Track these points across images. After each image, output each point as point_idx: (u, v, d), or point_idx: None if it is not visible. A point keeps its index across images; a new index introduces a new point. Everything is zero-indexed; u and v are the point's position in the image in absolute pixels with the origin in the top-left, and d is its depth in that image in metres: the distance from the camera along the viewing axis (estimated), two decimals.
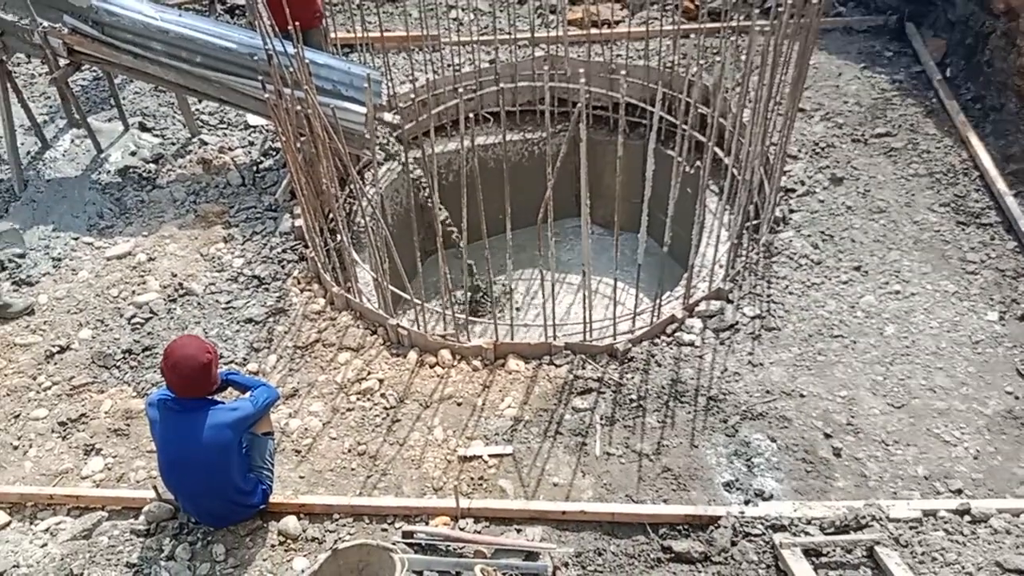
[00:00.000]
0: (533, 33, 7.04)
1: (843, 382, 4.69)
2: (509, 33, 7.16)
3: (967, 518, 3.95)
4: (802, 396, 4.61)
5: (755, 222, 5.65)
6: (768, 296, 5.21)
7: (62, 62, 6.36)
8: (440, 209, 5.20)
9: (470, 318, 5.20)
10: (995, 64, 6.44)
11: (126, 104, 7.19)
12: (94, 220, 6.25)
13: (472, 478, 4.33)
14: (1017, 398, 4.56)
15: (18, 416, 4.88)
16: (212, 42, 6.06)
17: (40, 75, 7.67)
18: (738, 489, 4.17)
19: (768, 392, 4.64)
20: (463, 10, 7.98)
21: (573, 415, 4.61)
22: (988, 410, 4.52)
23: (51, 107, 7.27)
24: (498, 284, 6.67)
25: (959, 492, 4.13)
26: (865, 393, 4.63)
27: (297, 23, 4.84)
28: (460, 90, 4.70)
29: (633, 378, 4.78)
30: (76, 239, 6.09)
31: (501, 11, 8.03)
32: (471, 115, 4.92)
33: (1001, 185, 5.73)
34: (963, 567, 3.74)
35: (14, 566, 4.02)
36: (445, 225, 5.33)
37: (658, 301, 5.07)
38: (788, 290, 5.24)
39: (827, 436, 4.41)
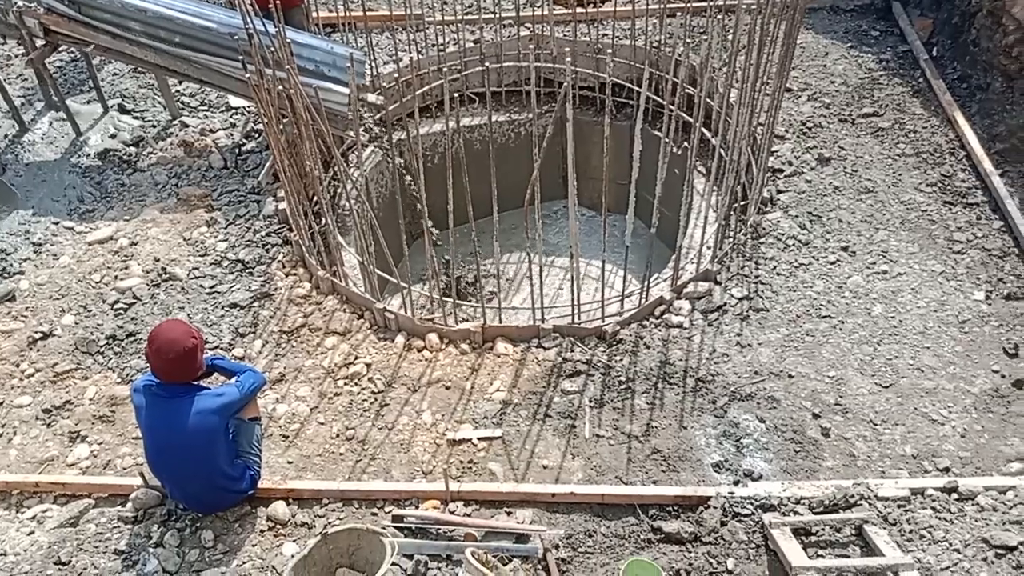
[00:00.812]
0: (518, 12, 6.96)
1: (831, 362, 4.70)
2: (494, 12, 7.07)
3: (954, 496, 3.97)
4: (790, 377, 4.62)
5: (743, 203, 5.64)
6: (756, 277, 5.21)
7: (39, 43, 6.24)
8: (419, 199, 5.15)
9: (455, 301, 5.17)
10: (981, 44, 6.44)
11: (105, 86, 7.07)
12: (74, 204, 6.16)
13: (461, 461, 4.32)
14: (1003, 376, 4.59)
15: (1, 403, 4.81)
16: (191, 21, 5.95)
17: (16, 56, 7.51)
18: (727, 470, 4.18)
19: (756, 373, 4.65)
20: None
21: (562, 398, 4.60)
22: (975, 389, 4.54)
23: (28, 89, 7.13)
24: (481, 267, 6.62)
25: (946, 470, 4.16)
26: (853, 373, 4.64)
27: (278, 1, 4.76)
28: (445, 70, 4.63)
29: (622, 360, 4.77)
30: (56, 224, 6.00)
31: None
32: (456, 96, 4.85)
33: (987, 165, 5.74)
34: (951, 544, 3.77)
35: (1, 554, 3.98)
36: (421, 217, 5.28)
37: (646, 283, 5.06)
38: (776, 271, 5.24)
39: (815, 416, 4.42)
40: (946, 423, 4.39)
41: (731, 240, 5.44)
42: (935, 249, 5.35)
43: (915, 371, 4.65)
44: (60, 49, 6.74)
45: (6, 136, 6.60)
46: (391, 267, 5.24)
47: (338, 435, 4.51)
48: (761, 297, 5.08)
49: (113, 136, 6.69)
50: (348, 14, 6.61)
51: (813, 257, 5.32)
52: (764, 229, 5.52)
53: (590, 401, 4.57)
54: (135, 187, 6.29)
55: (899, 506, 3.93)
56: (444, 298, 5.13)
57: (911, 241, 5.41)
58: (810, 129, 6.29)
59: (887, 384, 4.59)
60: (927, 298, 5.05)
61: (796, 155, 6.07)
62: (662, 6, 6.40)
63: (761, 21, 4.73)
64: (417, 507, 4.04)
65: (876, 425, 4.39)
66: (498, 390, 4.68)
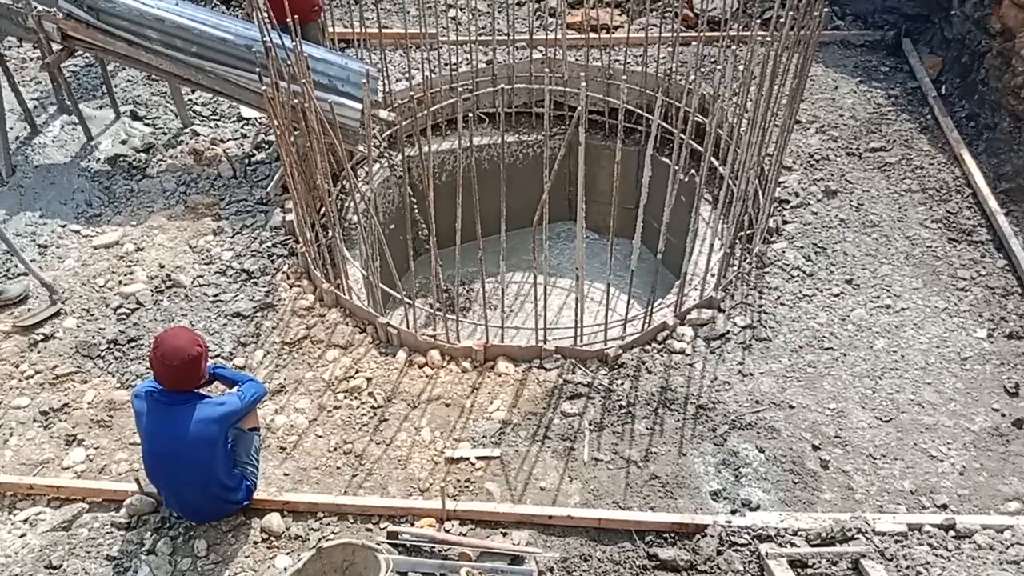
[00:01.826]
0: (531, 35, 7.03)
1: (832, 394, 4.70)
2: (507, 34, 7.14)
3: (952, 533, 3.95)
4: (791, 407, 4.62)
5: (748, 232, 5.66)
6: (760, 306, 5.22)
7: (55, 47, 6.28)
8: (419, 219, 5.19)
9: (457, 318, 5.17)
10: (990, 83, 6.49)
11: (118, 92, 7.12)
12: (82, 208, 6.18)
13: (459, 480, 4.30)
14: (1003, 415, 4.58)
15: None
16: (208, 32, 6.01)
17: (32, 59, 7.57)
18: (725, 498, 4.16)
19: (757, 402, 4.64)
20: (461, 9, 7.96)
21: (562, 420, 4.59)
22: (975, 426, 4.53)
23: (42, 92, 7.18)
24: (477, 286, 6.61)
25: (944, 507, 4.14)
26: (854, 406, 4.63)
27: (296, 16, 4.81)
28: (458, 90, 4.67)
29: (623, 384, 4.76)
30: (63, 227, 6.01)
31: (499, 12, 8.01)
32: (468, 115, 4.89)
33: (993, 203, 5.76)
34: None
35: None
36: (422, 234, 5.31)
37: (650, 308, 5.06)
38: (780, 301, 5.25)
39: (815, 448, 4.41)
40: (945, 460, 4.37)
41: (736, 269, 5.45)
42: (939, 285, 5.36)
43: (916, 406, 4.65)
44: (76, 54, 6.79)
45: (17, 138, 6.64)
46: (395, 282, 5.25)
47: (336, 449, 4.50)
48: (764, 327, 5.08)
49: (124, 142, 6.73)
50: (363, 31, 6.67)
51: (817, 289, 5.33)
52: (769, 259, 5.54)
53: (590, 424, 4.56)
54: (143, 193, 6.31)
55: (896, 541, 3.91)
56: (447, 314, 5.13)
57: (915, 276, 5.42)
58: (818, 161, 6.32)
59: (887, 418, 4.58)
60: (929, 334, 5.05)
61: (803, 187, 6.09)
62: (675, 35, 6.45)
63: (774, 53, 4.77)
64: (413, 524, 4.02)
65: (875, 459, 4.38)
66: (498, 409, 4.67)
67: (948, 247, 5.62)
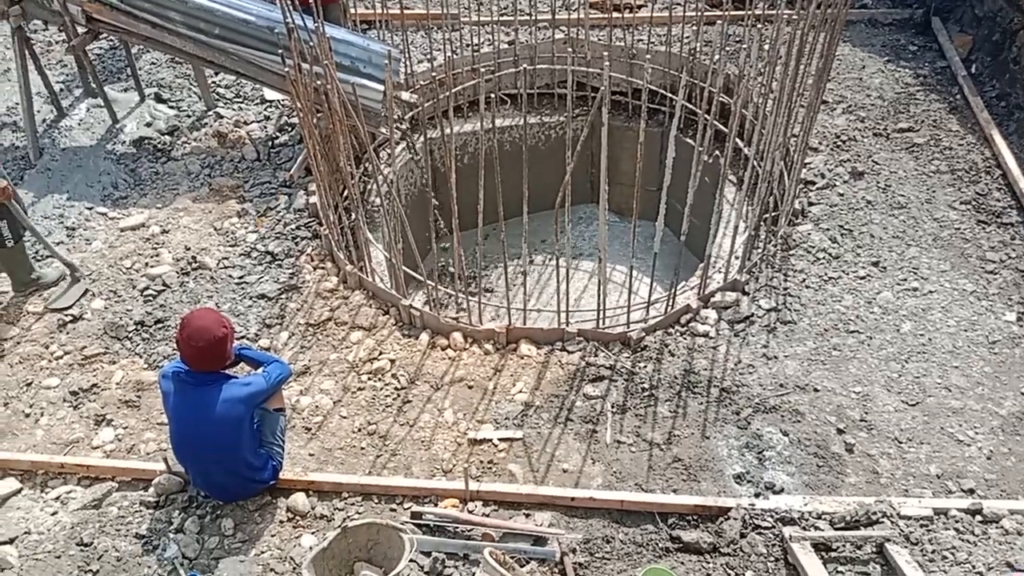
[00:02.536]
0: (554, 15, 6.97)
1: (858, 378, 4.66)
2: (529, 14, 7.09)
3: (978, 518, 3.92)
4: (816, 391, 4.59)
5: (773, 214, 5.60)
6: (784, 289, 5.18)
7: (80, 30, 6.32)
8: (432, 197, 5.19)
9: (468, 297, 5.17)
10: (1022, 62, 6.36)
11: (142, 74, 7.16)
12: (108, 190, 6.24)
13: (482, 461, 4.32)
14: None
15: (30, 384, 4.88)
16: (231, 14, 6.01)
17: (57, 43, 7.63)
18: (748, 482, 4.15)
19: (782, 386, 4.61)
20: None
21: (584, 402, 4.59)
22: (1003, 411, 4.48)
23: (68, 75, 7.24)
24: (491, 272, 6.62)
25: (971, 492, 4.11)
26: (880, 390, 4.60)
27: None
28: (480, 71, 4.64)
29: (646, 367, 4.76)
30: (90, 209, 6.08)
31: None
32: (490, 96, 4.86)
33: None
34: (973, 567, 3.72)
35: (25, 532, 4.04)
36: (436, 217, 5.31)
37: (673, 290, 5.04)
38: (805, 284, 5.20)
39: (840, 431, 4.38)
40: (972, 444, 4.33)
41: (760, 251, 5.40)
42: (967, 268, 5.29)
43: (943, 390, 4.60)
44: (100, 37, 6.83)
45: (44, 121, 6.71)
46: (418, 263, 5.26)
47: (360, 429, 4.53)
48: (789, 309, 5.04)
49: (149, 124, 6.77)
50: (386, 12, 6.65)
51: (843, 271, 5.28)
52: (794, 241, 5.49)
53: (612, 407, 4.56)
54: (168, 176, 6.36)
55: (922, 526, 3.89)
56: (468, 297, 5.13)
57: (943, 259, 5.35)
58: (844, 142, 6.24)
59: (914, 402, 4.54)
60: (957, 317, 4.99)
61: (829, 168, 6.02)
62: (699, 14, 6.37)
63: (800, 32, 4.70)
64: (436, 505, 4.05)
65: (901, 443, 4.34)
66: (520, 391, 4.68)
67: (977, 229, 5.53)
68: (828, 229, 5.56)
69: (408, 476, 4.26)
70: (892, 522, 3.88)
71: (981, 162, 5.98)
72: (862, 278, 5.23)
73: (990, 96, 6.51)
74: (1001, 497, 4.08)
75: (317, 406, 4.66)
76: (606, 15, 7.00)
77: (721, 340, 4.89)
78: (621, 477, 4.21)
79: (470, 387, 4.74)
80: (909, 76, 6.83)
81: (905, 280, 5.21)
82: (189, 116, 6.92)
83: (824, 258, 5.36)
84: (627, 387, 4.66)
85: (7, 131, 6.69)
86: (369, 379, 4.81)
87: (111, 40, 7.40)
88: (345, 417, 4.61)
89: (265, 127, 6.76)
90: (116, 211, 6.07)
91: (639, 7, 7.72)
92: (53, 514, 4.14)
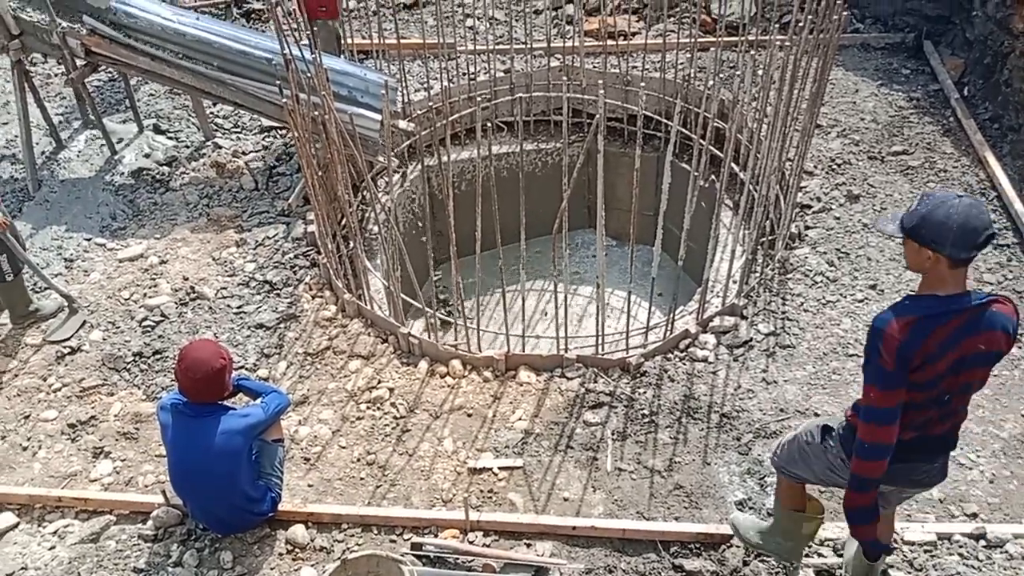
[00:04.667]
0: (549, 43, 7.03)
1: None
2: (525, 43, 7.15)
3: (982, 543, 3.89)
4: (816, 415, 4.57)
5: (770, 238, 5.62)
6: (783, 313, 5.18)
7: (79, 63, 6.37)
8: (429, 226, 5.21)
9: (479, 328, 5.18)
10: (1014, 84, 6.41)
11: (141, 106, 7.21)
12: (107, 222, 6.25)
13: (482, 491, 4.30)
14: None
15: (28, 417, 4.86)
16: (229, 46, 6.08)
17: (56, 75, 7.69)
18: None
19: (782, 410, 4.60)
20: (479, 19, 7.99)
21: (584, 429, 4.58)
22: (1004, 433, 4.47)
23: (67, 107, 7.29)
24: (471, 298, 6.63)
25: (974, 516, 4.08)
26: None
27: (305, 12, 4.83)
28: (477, 99, 4.68)
29: (645, 393, 4.74)
30: (88, 240, 6.09)
31: (517, 20, 8.03)
32: (487, 124, 4.90)
33: (1019, 206, 5.68)
34: None
35: (22, 568, 4.01)
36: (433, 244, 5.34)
37: (672, 315, 5.04)
38: (803, 307, 5.20)
39: None
40: (974, 467, 4.31)
41: (758, 275, 5.41)
42: None
43: None
44: (99, 69, 6.88)
45: (43, 153, 6.74)
46: (416, 291, 5.26)
47: (359, 459, 4.51)
48: (788, 333, 5.04)
49: (147, 155, 6.81)
50: (382, 42, 6.71)
51: (841, 295, 5.28)
52: (792, 265, 5.50)
53: (613, 434, 4.54)
54: (167, 206, 6.38)
55: (925, 551, 3.86)
56: (467, 323, 5.13)
57: None
58: (839, 166, 6.27)
59: None
60: None
61: (825, 191, 6.05)
62: (693, 40, 6.43)
63: (793, 57, 4.74)
64: (436, 535, 4.02)
65: None
66: (520, 419, 4.67)
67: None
68: (825, 252, 5.57)
69: (408, 506, 4.23)
70: (895, 548, 3.85)
71: (976, 184, 6.01)
72: (860, 301, 5.23)
73: (983, 118, 6.56)
74: (1005, 521, 4.05)
75: (316, 436, 4.64)
76: (601, 43, 7.06)
77: (720, 365, 4.89)
78: (622, 505, 4.18)
79: (469, 415, 4.73)
80: (902, 99, 6.88)
81: None
82: (187, 147, 6.95)
83: (822, 281, 5.37)
84: (627, 413, 4.64)
85: (6, 163, 6.72)
86: (368, 408, 4.79)
87: (110, 72, 7.46)
88: (344, 447, 4.59)
89: (263, 157, 6.79)
90: (114, 242, 6.08)
91: (633, 35, 7.80)
92: (51, 548, 4.11)
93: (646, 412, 4.63)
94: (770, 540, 3.61)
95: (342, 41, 6.88)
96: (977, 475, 4.26)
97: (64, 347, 5.26)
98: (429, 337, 5.12)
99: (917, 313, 2.65)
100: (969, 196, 2.64)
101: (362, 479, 4.41)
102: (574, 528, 4.01)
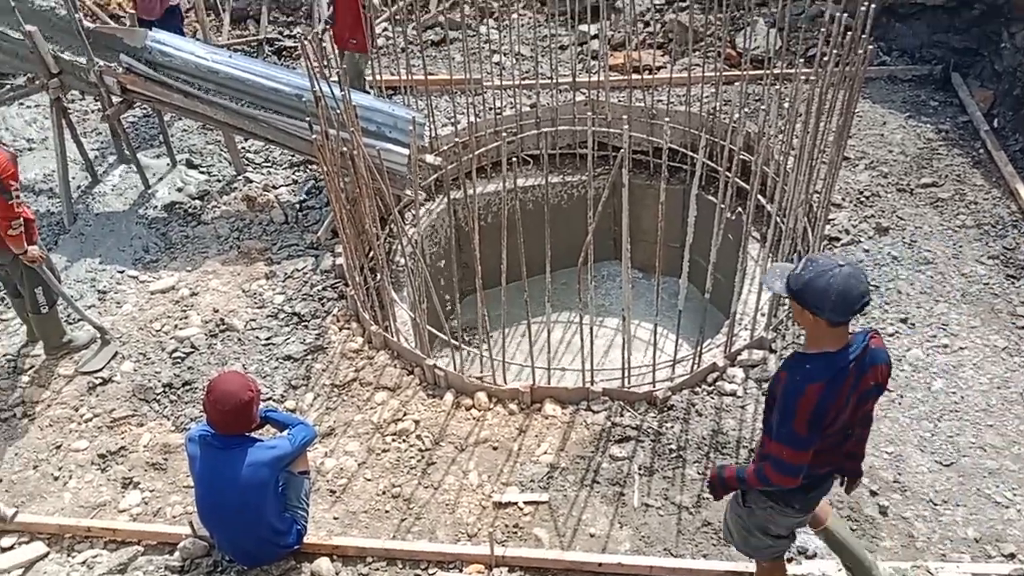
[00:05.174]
0: (574, 78, 7.10)
1: (889, 437, 4.57)
2: (551, 78, 7.23)
3: None
4: None
5: None
6: None
7: (115, 99, 6.54)
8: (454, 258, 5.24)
9: (504, 361, 5.17)
10: None
11: (174, 141, 7.36)
12: (140, 254, 6.36)
13: (507, 525, 4.27)
14: None
15: (59, 447, 4.93)
16: (261, 83, 6.20)
17: (93, 111, 7.88)
18: None
19: None
20: (505, 55, 8.09)
21: (611, 463, 4.54)
22: None
23: (103, 143, 7.46)
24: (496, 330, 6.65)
25: (1012, 556, 3.98)
26: (912, 450, 4.50)
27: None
28: (503, 133, 4.73)
29: (673, 427, 4.70)
30: (121, 272, 6.20)
31: (543, 56, 8.13)
32: (512, 157, 4.95)
33: None
34: None
35: None
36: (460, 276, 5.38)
37: (699, 349, 5.01)
38: None
39: (873, 493, 4.28)
40: (1011, 506, 4.21)
41: (786, 308, 5.37)
42: (998, 324, 5.21)
43: (977, 450, 4.50)
44: (134, 106, 7.05)
45: (79, 187, 6.90)
46: (442, 323, 5.28)
47: (384, 492, 4.51)
48: None
49: (180, 189, 6.94)
50: (410, 78, 6.82)
51: (871, 328, 5.21)
52: None
53: (639, 468, 4.50)
54: (198, 239, 6.48)
55: None
56: (492, 356, 5.13)
57: (972, 315, 5.28)
58: (868, 198, 6.23)
59: (948, 463, 4.43)
60: (990, 374, 4.90)
61: (853, 224, 6.01)
62: (718, 74, 6.46)
63: (819, 91, 4.74)
64: (461, 570, 4.00)
65: (936, 505, 4.23)
66: (545, 453, 4.64)
67: (1006, 284, 5.47)
68: None
69: (432, 540, 4.21)
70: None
71: (1007, 216, 5.94)
72: (891, 335, 5.17)
73: (1014, 150, 6.50)
74: None
75: (342, 468, 4.65)
76: (626, 77, 7.12)
77: (749, 399, 4.83)
78: (649, 542, 4.13)
79: (495, 448, 4.71)
80: (931, 131, 6.84)
81: (935, 337, 5.14)
82: (219, 181, 7.08)
83: None
84: (654, 448, 4.60)
85: (43, 197, 6.88)
86: (393, 440, 4.80)
87: (144, 108, 7.64)
88: (369, 479, 4.58)
89: (293, 190, 6.89)
90: (147, 274, 6.19)
91: (658, 69, 7.85)
92: None
93: (673, 447, 4.59)
94: None
95: (368, 78, 7.00)
96: (1014, 514, 4.16)
97: (96, 378, 5.33)
98: (455, 369, 5.13)
99: (823, 378, 2.80)
100: (850, 265, 2.77)
101: (387, 512, 4.40)
102: (600, 565, 3.96)
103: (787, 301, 5.36)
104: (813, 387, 2.78)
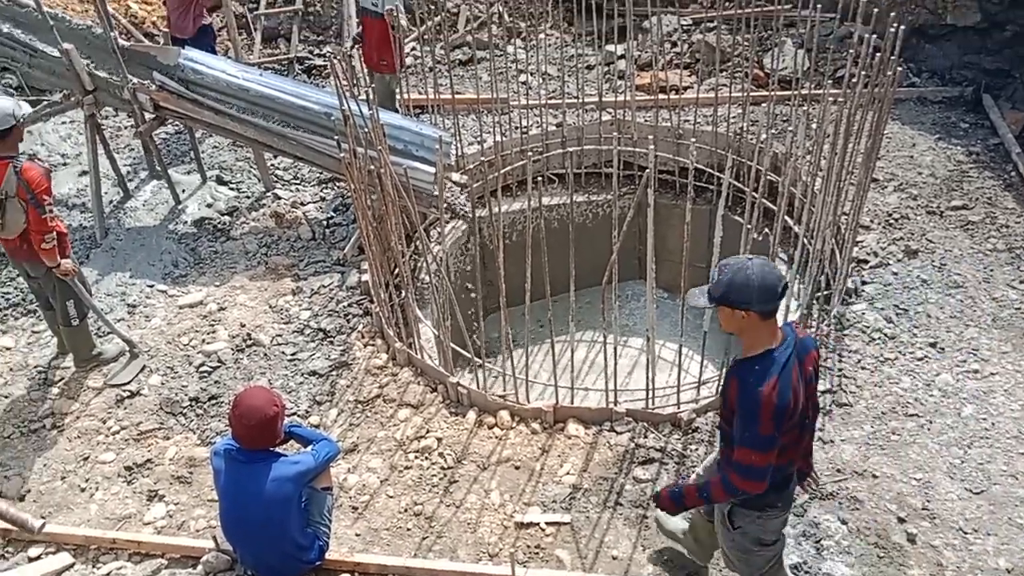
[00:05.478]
0: (601, 98, 7.12)
1: (918, 464, 4.50)
2: (577, 97, 7.25)
3: None
4: (875, 477, 4.43)
5: (826, 293, 5.53)
6: (839, 370, 5.07)
7: (148, 116, 6.65)
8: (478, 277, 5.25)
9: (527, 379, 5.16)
10: None
11: (205, 158, 7.47)
12: (169, 269, 6.45)
13: (528, 546, 4.24)
14: None
15: (87, 459, 4.98)
16: (291, 101, 6.28)
17: (126, 128, 8.02)
18: (806, 572, 3.99)
19: (839, 471, 4.47)
20: (532, 74, 8.14)
21: (634, 486, 4.51)
22: None
23: (135, 159, 7.59)
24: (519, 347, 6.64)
25: None
26: (942, 476, 4.43)
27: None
28: (529, 152, 4.76)
29: (697, 450, 4.66)
30: (151, 287, 6.28)
31: (569, 75, 8.16)
32: (538, 176, 4.96)
33: None
34: None
35: None
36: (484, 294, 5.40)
37: (724, 370, 4.96)
38: (860, 365, 5.09)
39: (901, 520, 4.21)
40: None
41: (813, 331, 5.31)
42: None
43: (1009, 477, 4.41)
44: (166, 123, 7.17)
45: (111, 202, 7.01)
46: (466, 341, 5.29)
47: (406, 510, 4.50)
48: (844, 391, 4.92)
49: (209, 205, 7.03)
50: (437, 97, 6.88)
51: (899, 352, 5.15)
52: (848, 321, 5.39)
53: None
54: (227, 255, 6.56)
55: None
56: (515, 374, 5.13)
57: (1004, 340, 5.19)
58: (896, 220, 6.17)
59: (978, 490, 4.35)
60: (1021, 400, 4.81)
61: (882, 246, 5.95)
62: (745, 94, 6.45)
63: (847, 112, 4.72)
64: None
65: (966, 534, 4.15)
66: (568, 473, 4.62)
67: None
68: (883, 308, 5.46)
69: (454, 559, 4.20)
70: None
71: None
72: (920, 359, 5.10)
73: None
74: None
75: (364, 484, 4.65)
76: (652, 97, 7.12)
77: None
78: (672, 566, 4.08)
79: (517, 467, 4.69)
80: (961, 153, 6.77)
81: (965, 362, 5.06)
82: (248, 197, 7.17)
83: (879, 338, 5.25)
84: (678, 470, 4.56)
85: (76, 212, 7.00)
86: (416, 457, 4.80)
87: (176, 125, 7.76)
88: (392, 496, 4.59)
89: (321, 207, 6.96)
90: (176, 289, 6.26)
91: (685, 89, 7.85)
92: None
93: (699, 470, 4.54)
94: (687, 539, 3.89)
95: (397, 97, 7.07)
96: None
97: (124, 391, 5.40)
98: (478, 387, 5.13)
99: (774, 374, 2.88)
100: (759, 257, 2.93)
101: (409, 530, 4.39)
102: None
103: (814, 323, 5.33)
104: (768, 386, 2.86)
